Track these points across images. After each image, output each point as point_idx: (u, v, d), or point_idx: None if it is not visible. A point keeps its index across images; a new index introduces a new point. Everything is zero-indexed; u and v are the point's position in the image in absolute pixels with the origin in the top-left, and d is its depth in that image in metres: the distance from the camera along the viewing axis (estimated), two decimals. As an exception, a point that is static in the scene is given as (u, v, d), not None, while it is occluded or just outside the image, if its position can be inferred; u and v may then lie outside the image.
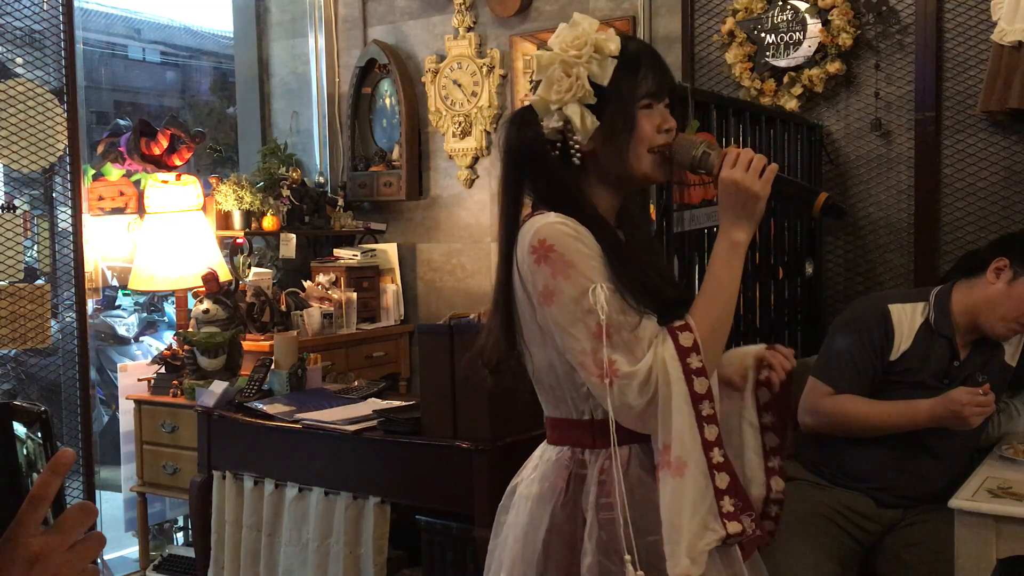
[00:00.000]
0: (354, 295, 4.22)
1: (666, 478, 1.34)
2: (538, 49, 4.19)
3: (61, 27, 3.40)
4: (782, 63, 3.44)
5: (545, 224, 1.38)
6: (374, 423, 2.53)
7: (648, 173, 1.47)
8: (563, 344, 1.38)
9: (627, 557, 1.35)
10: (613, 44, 1.42)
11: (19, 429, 0.85)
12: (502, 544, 1.54)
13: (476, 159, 4.29)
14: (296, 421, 2.62)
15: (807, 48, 3.38)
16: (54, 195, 3.48)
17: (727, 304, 1.42)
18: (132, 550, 3.87)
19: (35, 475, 0.87)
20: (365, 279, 4.35)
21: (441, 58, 4.35)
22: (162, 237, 3.81)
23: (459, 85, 4.28)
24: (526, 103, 1.52)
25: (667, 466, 1.34)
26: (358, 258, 4.33)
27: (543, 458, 1.53)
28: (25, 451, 0.87)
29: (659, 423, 1.34)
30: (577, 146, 1.44)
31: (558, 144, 1.45)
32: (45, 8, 3.40)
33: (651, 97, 1.45)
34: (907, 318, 2.41)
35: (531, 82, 1.52)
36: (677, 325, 1.36)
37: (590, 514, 1.41)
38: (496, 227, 1.54)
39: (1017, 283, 2.30)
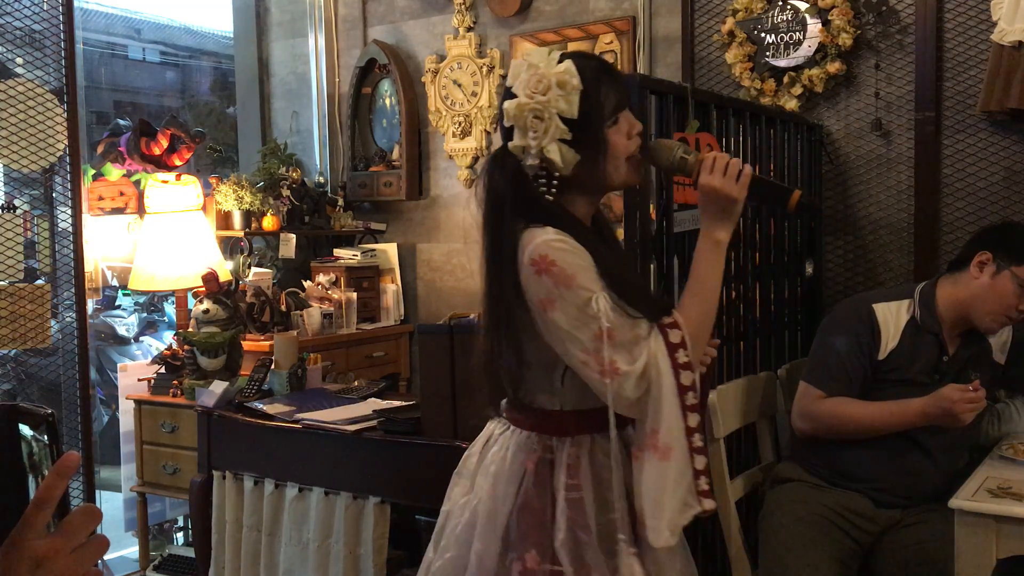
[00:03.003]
0: (354, 295, 4.22)
1: (651, 460, 1.47)
2: (533, 46, 4.18)
3: (61, 27, 3.41)
4: (782, 63, 3.44)
5: (544, 241, 1.49)
6: (374, 423, 2.54)
7: (630, 179, 1.60)
8: (564, 346, 1.49)
9: (620, 536, 1.52)
10: (574, 78, 1.51)
11: (26, 431, 0.85)
12: (456, 517, 1.68)
13: (476, 159, 4.29)
14: (296, 421, 2.62)
15: (807, 48, 3.38)
16: (54, 195, 3.48)
17: (711, 300, 1.55)
18: (132, 550, 3.87)
19: (40, 477, 0.87)
20: (365, 279, 4.35)
21: (441, 58, 4.35)
22: (162, 237, 3.81)
23: (459, 85, 4.29)
24: (498, 145, 1.61)
25: (653, 449, 1.47)
26: (358, 258, 4.34)
27: (505, 438, 1.65)
28: (29, 452, 0.87)
29: (649, 412, 1.47)
30: (556, 178, 1.54)
31: (540, 178, 1.55)
32: (45, 8, 3.40)
33: (616, 112, 1.56)
34: (892, 316, 2.42)
35: (500, 97, 1.59)
36: (667, 322, 1.49)
37: (560, 494, 1.55)
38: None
39: (1001, 276, 2.32)
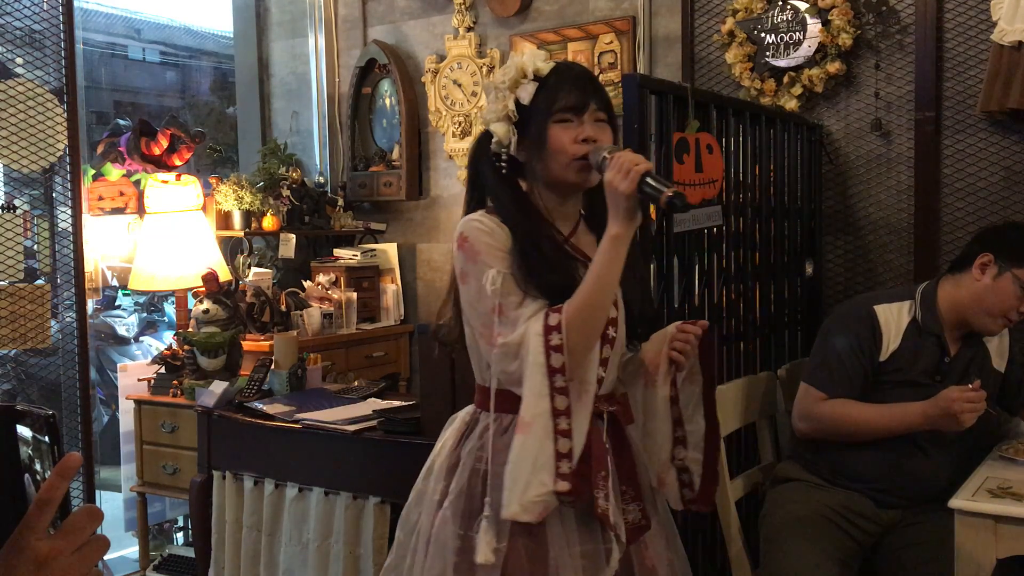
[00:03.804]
0: (354, 295, 4.22)
1: (517, 435, 1.55)
2: (533, 46, 4.17)
3: (61, 27, 3.41)
4: (782, 63, 3.44)
5: (466, 220, 1.66)
6: (374, 423, 2.54)
7: (571, 178, 1.66)
8: (469, 316, 1.65)
9: (486, 499, 1.60)
10: (532, 67, 1.65)
11: (25, 432, 0.85)
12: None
13: (476, 159, 4.28)
14: (296, 421, 2.62)
15: (807, 48, 3.38)
16: (54, 195, 3.48)
17: (600, 291, 1.57)
18: (132, 550, 3.87)
19: (29, 476, 0.87)
20: (365, 279, 4.35)
21: (441, 58, 4.35)
22: (162, 237, 3.81)
23: (459, 85, 4.29)
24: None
25: (519, 424, 1.55)
26: (358, 258, 4.33)
27: (460, 416, 1.80)
28: (26, 452, 0.87)
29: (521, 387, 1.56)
30: (506, 156, 1.68)
31: (498, 156, 1.70)
32: (45, 8, 3.40)
33: (569, 112, 1.64)
34: (894, 318, 2.42)
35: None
36: (554, 308, 1.57)
37: (463, 461, 1.68)
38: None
39: (1002, 279, 2.32)
